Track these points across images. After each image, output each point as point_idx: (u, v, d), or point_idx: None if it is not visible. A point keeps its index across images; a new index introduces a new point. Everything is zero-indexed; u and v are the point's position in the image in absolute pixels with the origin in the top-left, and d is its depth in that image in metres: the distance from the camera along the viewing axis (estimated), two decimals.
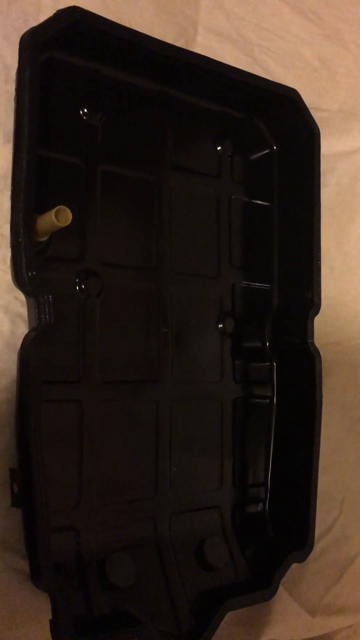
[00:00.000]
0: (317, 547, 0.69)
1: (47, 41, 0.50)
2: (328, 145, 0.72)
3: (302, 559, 0.62)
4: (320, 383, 0.64)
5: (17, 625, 0.50)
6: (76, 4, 0.51)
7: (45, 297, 0.48)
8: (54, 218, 0.47)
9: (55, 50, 0.53)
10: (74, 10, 0.50)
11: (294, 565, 0.62)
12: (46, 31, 0.49)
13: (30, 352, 0.47)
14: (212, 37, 0.66)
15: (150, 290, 0.60)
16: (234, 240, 0.67)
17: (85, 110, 0.56)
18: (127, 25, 0.56)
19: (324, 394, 0.64)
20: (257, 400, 0.68)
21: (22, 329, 0.52)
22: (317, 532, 0.65)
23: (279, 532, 0.65)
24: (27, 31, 0.49)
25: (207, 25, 0.66)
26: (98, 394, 0.55)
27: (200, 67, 0.59)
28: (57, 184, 0.54)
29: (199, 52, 0.60)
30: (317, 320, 0.66)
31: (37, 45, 0.49)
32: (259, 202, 0.69)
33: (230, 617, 0.58)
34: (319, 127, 0.66)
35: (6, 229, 0.49)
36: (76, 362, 0.54)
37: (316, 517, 0.64)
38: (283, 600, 0.63)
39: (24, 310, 0.52)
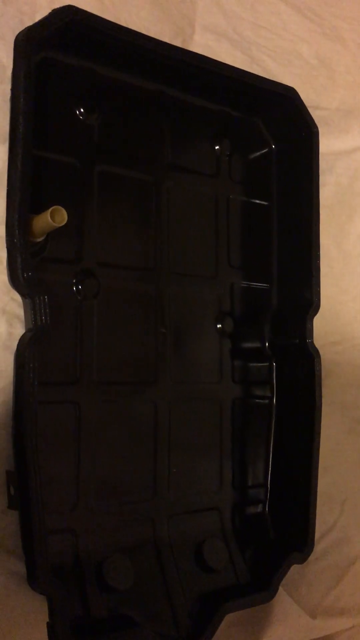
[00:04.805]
0: (318, 549, 0.68)
1: (43, 40, 0.50)
2: (327, 144, 0.72)
3: (302, 560, 0.62)
4: (320, 383, 0.64)
5: (14, 629, 0.50)
6: (72, 3, 0.51)
7: (41, 298, 0.48)
8: (49, 218, 0.47)
9: (51, 49, 0.53)
10: (69, 10, 0.50)
11: (295, 567, 0.62)
12: (41, 30, 0.49)
13: (26, 353, 0.47)
14: (209, 35, 0.66)
15: (148, 291, 0.60)
16: (233, 240, 0.66)
17: (82, 110, 0.56)
18: (124, 24, 0.56)
19: (323, 394, 0.64)
20: (257, 400, 0.67)
21: (19, 330, 0.52)
22: (318, 533, 0.64)
23: (279, 533, 0.65)
24: (22, 30, 0.49)
25: (205, 23, 0.66)
26: (95, 395, 0.55)
27: (197, 67, 0.58)
28: (54, 184, 0.54)
29: (196, 51, 0.59)
30: (317, 320, 0.65)
31: (33, 44, 0.49)
32: (258, 201, 0.69)
33: (229, 619, 0.57)
34: (318, 125, 0.66)
35: (2, 230, 0.49)
36: (73, 363, 0.54)
37: (316, 518, 0.63)
38: (283, 602, 0.63)
39: (20, 312, 0.52)
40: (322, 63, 0.74)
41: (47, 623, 0.46)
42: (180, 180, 0.63)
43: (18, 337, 0.50)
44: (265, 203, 0.69)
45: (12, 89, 0.49)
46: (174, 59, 0.57)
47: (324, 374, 0.64)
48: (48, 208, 0.48)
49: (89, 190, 0.56)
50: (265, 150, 0.69)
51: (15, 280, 0.48)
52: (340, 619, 0.66)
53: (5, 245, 0.49)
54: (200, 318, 0.64)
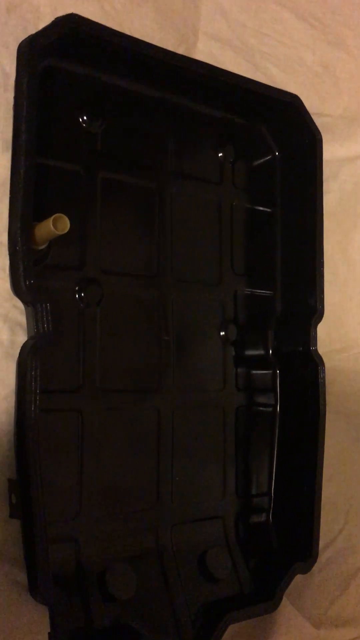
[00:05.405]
0: (322, 558, 0.68)
1: (46, 48, 0.50)
2: (331, 151, 0.72)
3: (306, 570, 0.61)
4: (324, 391, 0.63)
5: (16, 638, 0.49)
6: (75, 11, 0.51)
7: (44, 305, 0.48)
8: (51, 226, 0.47)
9: (54, 57, 0.53)
10: (72, 18, 0.50)
11: (298, 577, 0.62)
12: (44, 38, 0.49)
13: (28, 361, 0.47)
14: (212, 43, 0.66)
15: (152, 298, 0.60)
16: (236, 246, 0.66)
17: (85, 118, 0.56)
18: (127, 32, 0.56)
19: (328, 401, 0.64)
20: (260, 408, 0.67)
21: (22, 338, 0.52)
22: (322, 542, 0.64)
23: (282, 542, 0.64)
24: (26, 39, 0.49)
25: (208, 31, 0.66)
26: (98, 403, 0.55)
27: (201, 74, 0.58)
28: (57, 192, 0.54)
29: (199, 59, 0.59)
30: (321, 327, 0.65)
31: (36, 52, 0.49)
32: (261, 208, 0.68)
33: (233, 629, 0.57)
34: (322, 132, 0.66)
35: (4, 237, 0.49)
36: (76, 371, 0.54)
37: (321, 528, 0.63)
38: (287, 612, 0.62)
39: (23, 319, 0.51)
40: (326, 70, 0.74)
41: (49, 633, 0.46)
42: (183, 187, 0.63)
43: (20, 345, 0.49)
44: (269, 210, 0.69)
45: (15, 97, 0.49)
46: (177, 67, 0.57)
47: (328, 382, 0.64)
48: (51, 216, 0.48)
49: (92, 198, 0.56)
50: (268, 157, 0.69)
51: (17, 287, 0.48)
52: (345, 629, 0.66)
53: (7, 252, 0.49)
54: (203, 325, 0.63)
